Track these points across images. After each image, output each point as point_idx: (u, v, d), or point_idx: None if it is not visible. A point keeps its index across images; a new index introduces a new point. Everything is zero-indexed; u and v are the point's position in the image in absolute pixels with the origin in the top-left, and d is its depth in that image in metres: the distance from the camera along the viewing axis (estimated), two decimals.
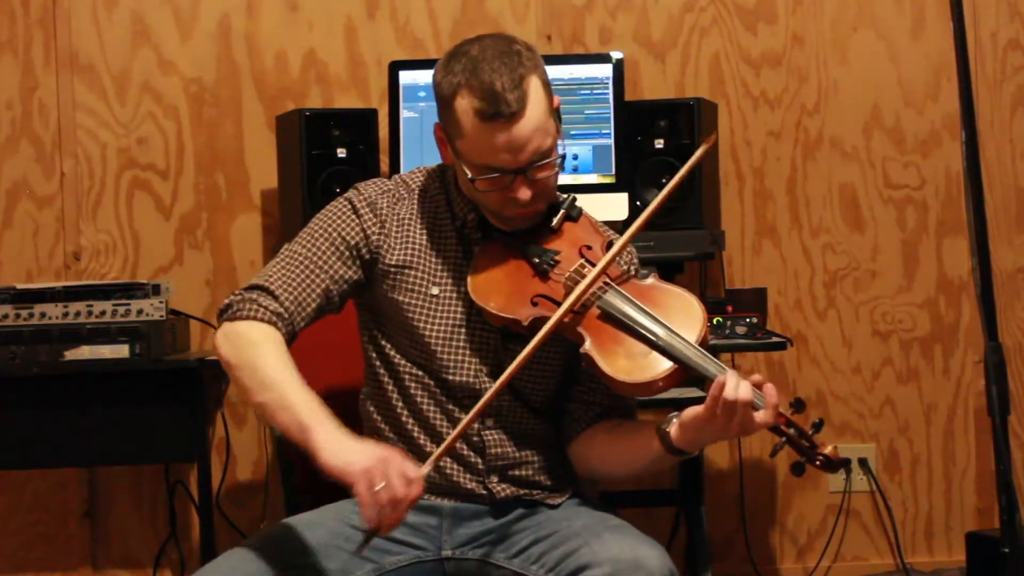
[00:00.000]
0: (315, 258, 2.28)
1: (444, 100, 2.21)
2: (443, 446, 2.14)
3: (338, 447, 2.02)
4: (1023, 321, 3.82)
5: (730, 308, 3.24)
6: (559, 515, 2.27)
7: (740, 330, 3.19)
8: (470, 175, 2.19)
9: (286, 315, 2.22)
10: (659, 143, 3.41)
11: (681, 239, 3.32)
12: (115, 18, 3.67)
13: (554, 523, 2.24)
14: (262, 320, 2.21)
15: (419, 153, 3.33)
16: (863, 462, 3.78)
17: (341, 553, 2.20)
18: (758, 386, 2.09)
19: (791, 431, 2.10)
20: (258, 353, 2.16)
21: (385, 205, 2.32)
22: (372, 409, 2.35)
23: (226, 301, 2.26)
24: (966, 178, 2.63)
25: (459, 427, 2.15)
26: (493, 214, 2.27)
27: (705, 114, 3.43)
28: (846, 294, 3.80)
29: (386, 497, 1.97)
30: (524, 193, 2.19)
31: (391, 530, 2.02)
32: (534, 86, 2.18)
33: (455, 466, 2.28)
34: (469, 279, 2.26)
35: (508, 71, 2.16)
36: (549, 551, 2.18)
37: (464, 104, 2.17)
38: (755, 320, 3.20)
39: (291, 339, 2.25)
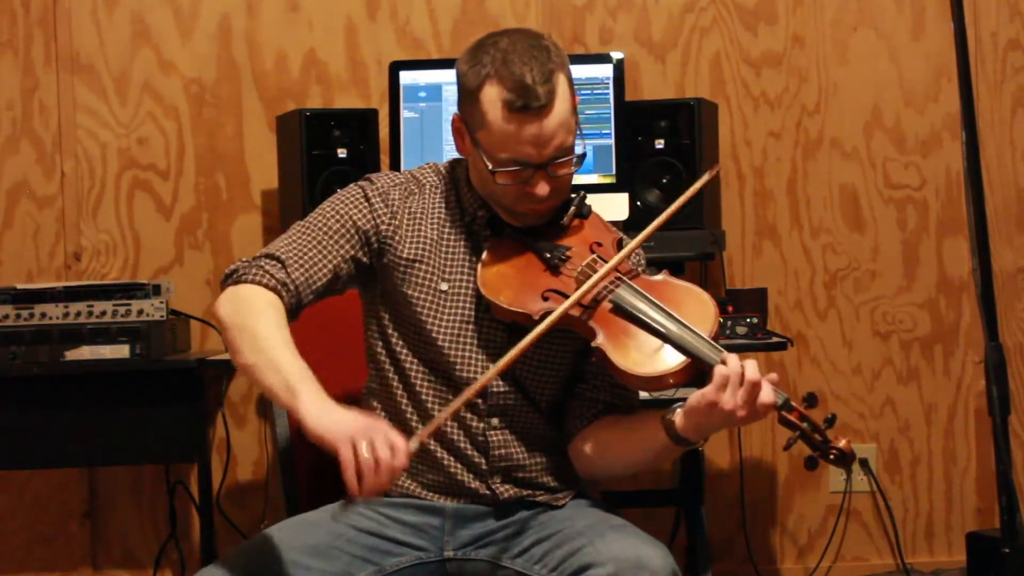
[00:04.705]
0: (326, 237, 2.26)
1: (469, 90, 2.20)
2: (434, 422, 2.12)
3: (324, 411, 2.01)
4: (1023, 321, 3.82)
5: (730, 308, 3.24)
6: (562, 515, 2.27)
7: (740, 330, 3.19)
8: (490, 166, 2.19)
9: (292, 286, 2.21)
10: (659, 143, 3.41)
11: (682, 239, 3.32)
12: (115, 18, 3.67)
13: (557, 523, 2.24)
14: (266, 286, 2.19)
15: (419, 153, 3.34)
16: (863, 462, 3.78)
17: (342, 554, 2.20)
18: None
19: (804, 425, 2.10)
20: (256, 315, 2.15)
21: (397, 197, 2.32)
22: (376, 405, 2.35)
23: (232, 266, 2.25)
24: (966, 178, 2.63)
25: (456, 402, 2.12)
26: (505, 209, 2.27)
27: (705, 114, 3.43)
28: (846, 294, 3.80)
29: (369, 462, 1.94)
30: (543, 188, 2.20)
31: (372, 498, 1.99)
32: (562, 82, 2.19)
33: (458, 465, 2.28)
34: (479, 274, 2.25)
35: (539, 65, 2.16)
36: (552, 551, 2.18)
37: (492, 94, 2.16)
38: (755, 320, 3.20)
39: (296, 311, 2.23)
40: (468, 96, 2.21)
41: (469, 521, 2.27)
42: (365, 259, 2.29)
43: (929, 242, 3.80)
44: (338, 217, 2.29)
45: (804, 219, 3.79)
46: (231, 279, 2.23)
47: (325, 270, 2.25)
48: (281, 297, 2.20)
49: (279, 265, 2.22)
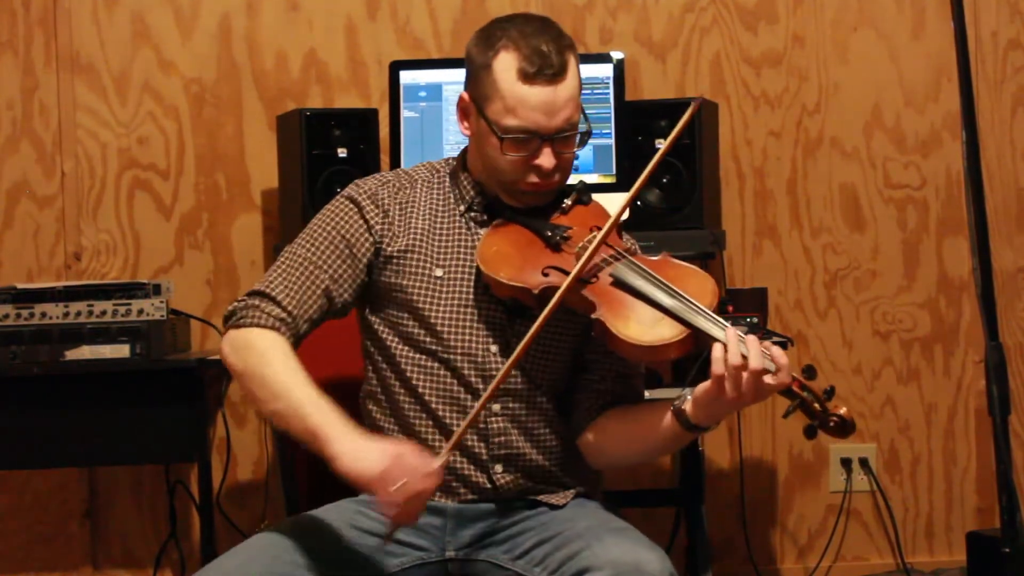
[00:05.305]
0: (315, 259, 2.29)
1: (482, 63, 2.25)
2: (461, 428, 2.14)
3: (353, 453, 2.05)
4: (1023, 321, 3.82)
5: (731, 308, 3.23)
6: (563, 516, 2.27)
7: (740, 330, 3.18)
8: (499, 134, 2.22)
9: (289, 320, 2.24)
10: (660, 143, 3.40)
11: (682, 239, 3.32)
12: (115, 18, 3.67)
13: (557, 524, 2.24)
14: (266, 326, 2.23)
15: (420, 153, 3.33)
16: (864, 462, 3.78)
17: (343, 554, 2.20)
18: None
19: (805, 394, 2.10)
20: (265, 362, 2.18)
21: (386, 195, 2.34)
22: (372, 407, 2.35)
23: (230, 308, 2.28)
24: (966, 178, 2.63)
25: (482, 399, 2.15)
26: (508, 187, 2.29)
27: (706, 114, 3.43)
28: (846, 294, 3.80)
29: (404, 495, 2.00)
30: (548, 160, 2.23)
31: (414, 522, 2.08)
32: (573, 60, 2.25)
33: (457, 455, 2.27)
34: (479, 252, 2.27)
35: (553, 40, 2.23)
36: (552, 553, 2.18)
37: (507, 61, 2.22)
38: (755, 320, 3.20)
39: (296, 343, 2.26)
40: (480, 69, 2.25)
41: (471, 521, 2.28)
42: (359, 275, 2.31)
43: (929, 242, 3.80)
44: (326, 235, 2.32)
45: (804, 219, 3.79)
46: (230, 322, 2.26)
47: (316, 295, 2.28)
48: (282, 333, 2.24)
49: (272, 303, 2.25)
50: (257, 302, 2.25)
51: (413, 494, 2.01)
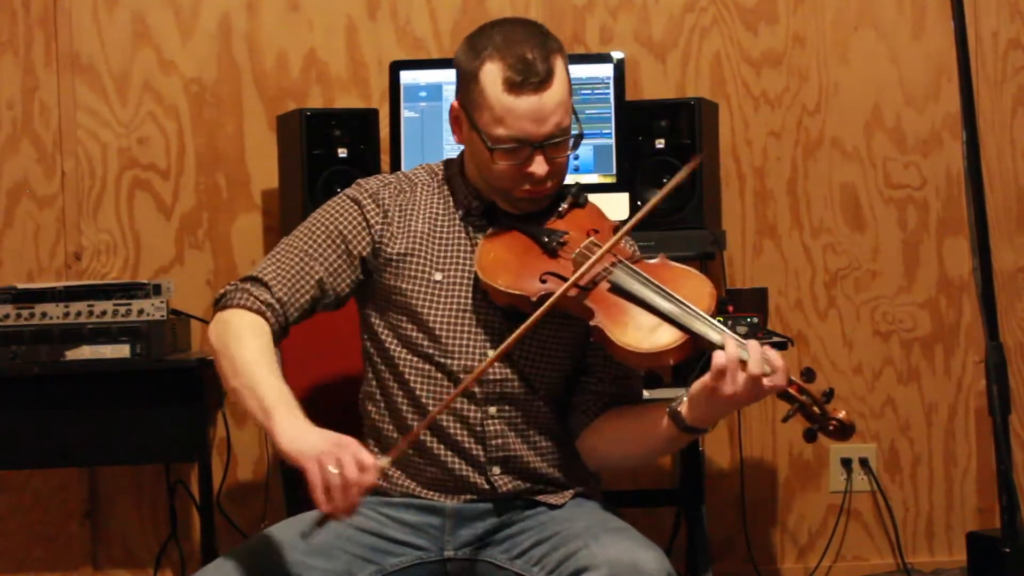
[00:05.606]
0: (310, 250, 2.30)
1: (469, 73, 2.24)
2: (411, 433, 2.15)
3: (295, 432, 2.04)
4: (1023, 321, 3.82)
5: (731, 308, 3.24)
6: (562, 516, 2.27)
7: (740, 330, 3.19)
8: (489, 144, 2.21)
9: (277, 305, 2.25)
10: (660, 143, 3.40)
11: (682, 239, 3.32)
12: (116, 18, 3.67)
13: (556, 524, 2.24)
14: (251, 309, 2.23)
15: (420, 153, 3.34)
16: (864, 462, 3.78)
17: (343, 554, 2.21)
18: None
19: (804, 398, 2.10)
20: (238, 340, 2.19)
21: (387, 196, 2.34)
22: (371, 408, 2.35)
23: (221, 291, 2.29)
24: (967, 178, 2.63)
25: (446, 400, 2.16)
26: (503, 195, 2.29)
27: (706, 114, 3.43)
28: (847, 294, 3.80)
29: (338, 481, 1.96)
30: (540, 167, 2.22)
31: (344, 517, 2.01)
32: (560, 64, 2.23)
33: (455, 458, 2.28)
34: (477, 259, 2.27)
35: (539, 45, 2.21)
36: (550, 553, 2.18)
37: (493, 71, 2.20)
38: (756, 320, 3.20)
39: (283, 330, 2.27)
40: (468, 78, 2.24)
41: (469, 521, 2.28)
42: (354, 271, 2.31)
43: (929, 242, 3.80)
44: (324, 228, 2.32)
45: (804, 219, 3.79)
46: (220, 304, 2.27)
47: (309, 285, 2.28)
48: (266, 318, 2.24)
49: (263, 287, 2.26)
50: (247, 286, 2.26)
51: (347, 482, 1.96)
